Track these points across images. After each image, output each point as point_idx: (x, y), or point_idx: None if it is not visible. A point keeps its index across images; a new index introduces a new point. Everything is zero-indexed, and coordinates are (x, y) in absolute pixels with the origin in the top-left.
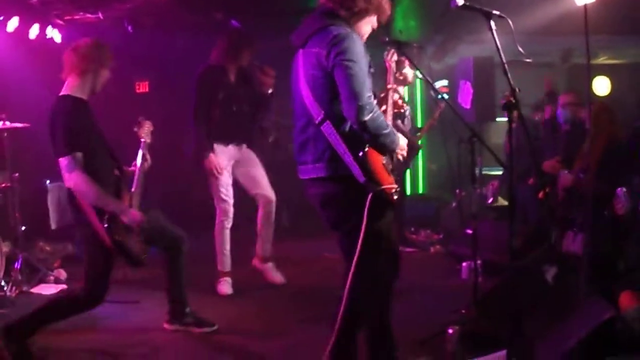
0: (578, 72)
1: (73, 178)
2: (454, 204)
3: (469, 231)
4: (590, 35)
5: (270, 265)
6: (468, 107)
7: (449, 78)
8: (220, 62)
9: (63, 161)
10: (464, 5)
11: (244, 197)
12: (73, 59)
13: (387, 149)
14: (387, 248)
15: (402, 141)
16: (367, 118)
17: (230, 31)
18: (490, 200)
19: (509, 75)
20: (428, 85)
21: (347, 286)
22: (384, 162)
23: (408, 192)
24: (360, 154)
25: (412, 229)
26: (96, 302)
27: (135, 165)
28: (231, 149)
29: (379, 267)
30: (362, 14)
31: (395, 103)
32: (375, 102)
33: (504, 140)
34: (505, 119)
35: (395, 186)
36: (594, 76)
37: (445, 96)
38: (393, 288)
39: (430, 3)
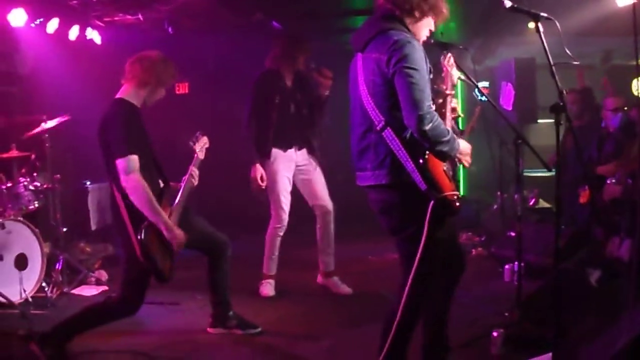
0: (618, 73)
1: (131, 180)
2: (495, 206)
3: (512, 233)
4: (632, 37)
5: (335, 279)
6: (510, 108)
7: (490, 80)
8: (276, 66)
9: (121, 162)
10: (512, 7)
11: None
12: (137, 68)
13: (447, 156)
14: (451, 253)
15: (464, 145)
16: (427, 127)
17: (285, 36)
18: (532, 202)
19: (557, 77)
20: (472, 86)
21: (405, 293)
22: (445, 168)
23: None
24: (421, 161)
25: None
26: (132, 309)
27: (183, 180)
28: (290, 153)
29: (437, 276)
30: (422, 16)
31: (453, 109)
32: (434, 109)
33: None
34: (546, 120)
35: (457, 193)
36: (635, 77)
37: (486, 98)
38: (453, 295)
39: (471, 5)
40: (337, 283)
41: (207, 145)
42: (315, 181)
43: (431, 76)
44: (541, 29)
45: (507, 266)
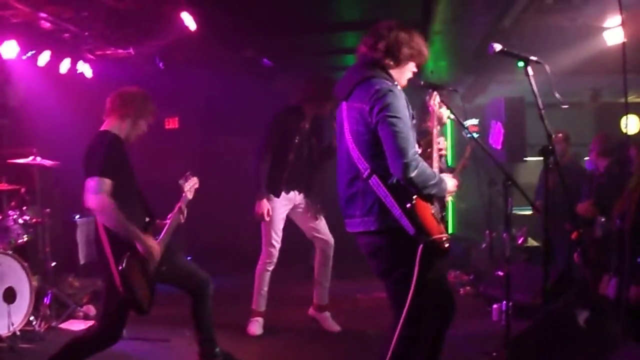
0: (607, 111)
1: (97, 199)
2: (484, 245)
3: (500, 273)
4: (620, 74)
5: (327, 314)
6: (499, 147)
7: (480, 117)
8: (301, 105)
9: (90, 182)
10: (501, 50)
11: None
12: (116, 102)
13: (435, 197)
14: (441, 294)
15: (451, 183)
16: (413, 175)
17: (323, 80)
18: (520, 241)
19: (546, 121)
20: (459, 125)
21: (396, 337)
22: (433, 211)
23: None
24: (408, 205)
25: None
26: (111, 340)
27: (169, 218)
28: (292, 195)
29: (428, 318)
30: (406, 61)
31: (439, 149)
32: (419, 153)
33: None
34: (535, 158)
35: (446, 235)
36: (623, 115)
37: (476, 135)
38: (444, 337)
39: (462, 44)
40: (327, 319)
41: (196, 186)
42: (313, 216)
43: (414, 122)
44: (530, 72)
45: (495, 305)
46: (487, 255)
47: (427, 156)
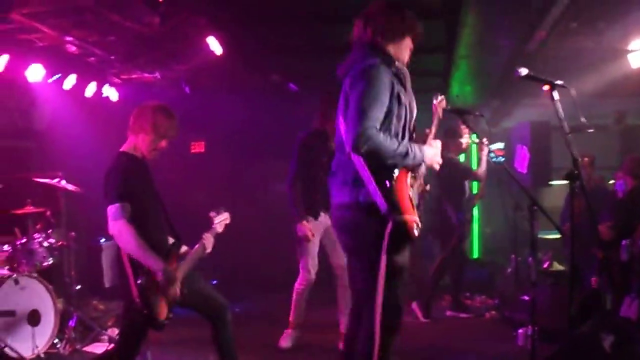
0: (632, 134)
1: (117, 226)
2: (509, 269)
3: (526, 297)
4: None
5: None
6: (524, 171)
7: (505, 141)
8: (322, 126)
9: (111, 208)
10: (527, 75)
11: None
12: (134, 117)
13: (409, 167)
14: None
15: (430, 152)
16: (364, 149)
17: (324, 95)
18: (546, 265)
19: (572, 146)
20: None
21: (377, 330)
22: (411, 195)
23: None
24: (388, 184)
25: (467, 294)
26: (129, 358)
27: (195, 247)
28: (322, 217)
29: (398, 300)
30: (400, 37)
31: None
32: (377, 129)
33: (563, 206)
34: (560, 182)
35: (417, 220)
36: None
37: (501, 159)
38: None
39: (487, 68)
40: None
41: (227, 221)
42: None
43: (403, 102)
44: (556, 97)
45: (520, 330)
46: (513, 279)
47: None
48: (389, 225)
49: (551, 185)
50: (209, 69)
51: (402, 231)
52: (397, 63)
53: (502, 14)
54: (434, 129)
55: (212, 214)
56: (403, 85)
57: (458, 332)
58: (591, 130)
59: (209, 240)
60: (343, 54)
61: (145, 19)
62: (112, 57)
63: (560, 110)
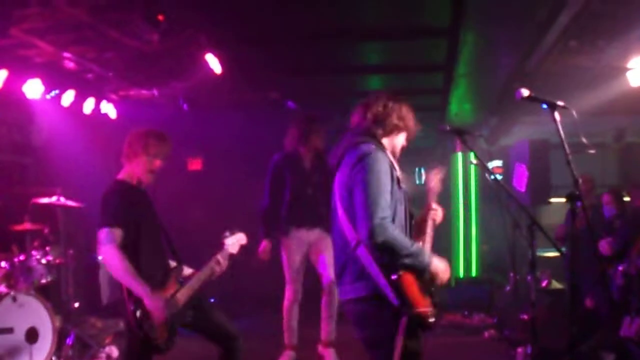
0: (631, 152)
1: (106, 251)
2: (507, 288)
3: (525, 316)
4: None
5: (332, 351)
6: (523, 190)
7: (504, 159)
8: (294, 148)
9: (101, 233)
10: (529, 96)
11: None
12: (125, 145)
13: (415, 269)
14: None
15: (438, 263)
16: (380, 240)
17: (298, 117)
18: (544, 284)
19: (572, 166)
20: (483, 168)
21: None
22: (421, 284)
23: (461, 274)
24: (394, 277)
25: (466, 313)
26: None
27: (203, 268)
28: (303, 232)
29: None
30: (395, 130)
31: (435, 221)
32: (390, 220)
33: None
34: (559, 200)
35: (431, 309)
36: None
37: (500, 177)
38: None
39: (486, 86)
40: (332, 355)
41: (243, 242)
42: (324, 254)
43: (402, 187)
44: (557, 117)
45: (519, 349)
46: (512, 298)
47: (420, 231)
48: (404, 320)
49: (550, 203)
50: (207, 87)
51: (418, 323)
52: (388, 153)
53: (503, 32)
54: (431, 212)
55: (225, 233)
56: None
57: (456, 351)
58: (592, 151)
59: (218, 262)
60: (342, 72)
61: (144, 36)
62: (110, 74)
63: (562, 131)
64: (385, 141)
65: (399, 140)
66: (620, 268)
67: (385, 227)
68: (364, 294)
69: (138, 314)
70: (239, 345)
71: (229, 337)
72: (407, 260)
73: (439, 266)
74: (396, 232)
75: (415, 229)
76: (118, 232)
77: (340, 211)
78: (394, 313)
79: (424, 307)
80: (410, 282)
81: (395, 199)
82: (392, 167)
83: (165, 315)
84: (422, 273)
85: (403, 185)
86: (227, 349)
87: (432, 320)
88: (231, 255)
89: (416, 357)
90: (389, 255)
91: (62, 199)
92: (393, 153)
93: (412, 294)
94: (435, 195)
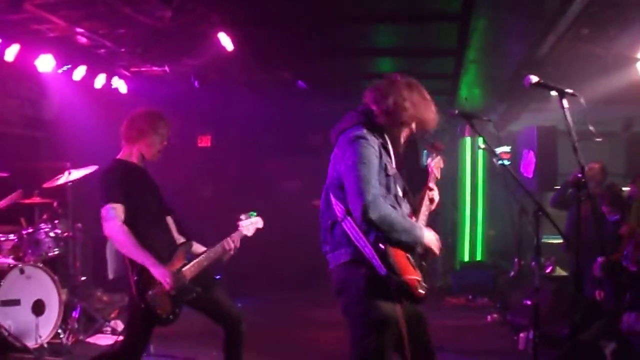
0: (639, 141)
1: (109, 226)
2: (512, 273)
3: (528, 302)
4: None
5: None
6: (530, 176)
7: (512, 144)
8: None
9: (103, 210)
10: (537, 83)
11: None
12: (124, 127)
13: (406, 246)
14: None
15: (430, 235)
16: (374, 217)
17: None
18: (548, 270)
19: (579, 153)
20: (491, 153)
21: None
22: (409, 256)
23: (466, 258)
24: (382, 246)
25: (470, 297)
26: (135, 353)
27: (216, 246)
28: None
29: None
30: (403, 125)
31: (431, 199)
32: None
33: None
34: None
35: (419, 279)
36: None
37: (507, 162)
38: None
39: (496, 73)
40: None
41: (259, 226)
42: None
43: (391, 170)
44: (565, 105)
45: (522, 334)
46: (515, 283)
47: (415, 210)
48: (392, 287)
49: (557, 189)
50: (218, 64)
51: (406, 291)
52: (386, 137)
53: (514, 19)
54: (429, 189)
55: (242, 216)
56: (389, 155)
57: (459, 334)
58: (599, 139)
59: (230, 242)
60: (353, 54)
61: (157, 13)
62: (122, 50)
63: (570, 118)
64: (389, 129)
65: (407, 130)
66: (599, 260)
67: (378, 203)
68: (345, 259)
69: (141, 284)
70: (242, 328)
71: (233, 320)
72: (402, 236)
73: (432, 240)
74: (390, 209)
75: (411, 209)
76: (120, 208)
77: (330, 187)
78: (368, 277)
79: (412, 275)
80: (398, 253)
81: (382, 185)
82: (382, 153)
83: (172, 285)
84: (413, 250)
85: (392, 171)
86: (230, 331)
87: (421, 291)
88: (245, 237)
89: (390, 322)
90: (380, 231)
91: (73, 172)
92: (396, 141)
93: (399, 262)
94: (434, 180)
